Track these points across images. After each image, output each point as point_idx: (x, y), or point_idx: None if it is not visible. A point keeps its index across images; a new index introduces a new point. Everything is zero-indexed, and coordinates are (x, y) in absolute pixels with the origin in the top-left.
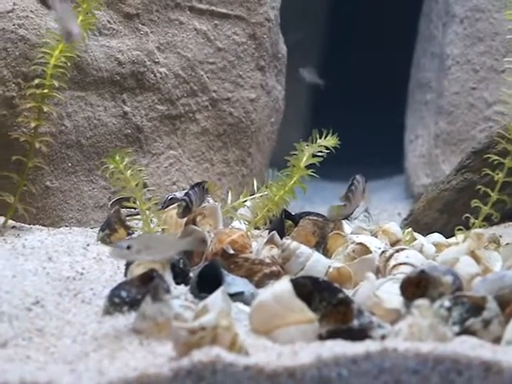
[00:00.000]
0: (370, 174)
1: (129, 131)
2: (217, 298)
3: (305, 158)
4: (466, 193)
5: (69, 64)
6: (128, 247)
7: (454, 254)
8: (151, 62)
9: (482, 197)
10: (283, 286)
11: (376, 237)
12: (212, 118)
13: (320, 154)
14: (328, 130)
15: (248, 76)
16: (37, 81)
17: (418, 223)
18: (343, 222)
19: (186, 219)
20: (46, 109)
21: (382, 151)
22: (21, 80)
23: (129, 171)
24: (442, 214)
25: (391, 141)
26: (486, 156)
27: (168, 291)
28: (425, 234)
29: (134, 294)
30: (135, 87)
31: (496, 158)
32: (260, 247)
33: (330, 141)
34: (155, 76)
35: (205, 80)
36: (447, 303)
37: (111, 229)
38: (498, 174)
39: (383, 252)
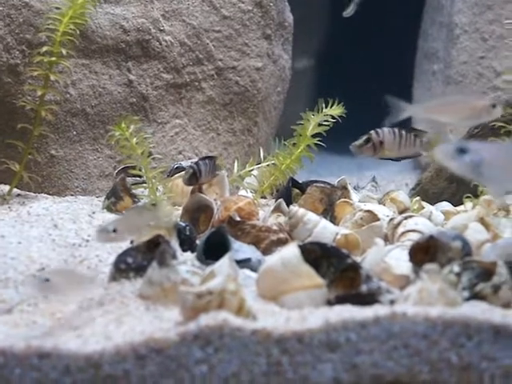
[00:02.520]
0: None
1: (134, 100)
2: (224, 263)
3: (311, 127)
4: None
5: (78, 31)
6: (114, 230)
7: (463, 220)
8: (156, 30)
9: None
10: (291, 251)
11: (384, 205)
12: (218, 86)
13: (326, 123)
14: (334, 100)
15: (254, 44)
16: (45, 48)
17: (426, 193)
18: (350, 190)
19: (191, 188)
20: (52, 77)
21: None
22: (25, 47)
23: (134, 139)
24: (451, 184)
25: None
26: (493, 123)
27: (174, 257)
28: (433, 204)
29: (140, 260)
30: (140, 55)
31: (503, 125)
32: (267, 215)
33: (336, 110)
34: (160, 44)
35: (210, 48)
36: (457, 268)
37: (117, 197)
38: (505, 141)
39: (391, 219)
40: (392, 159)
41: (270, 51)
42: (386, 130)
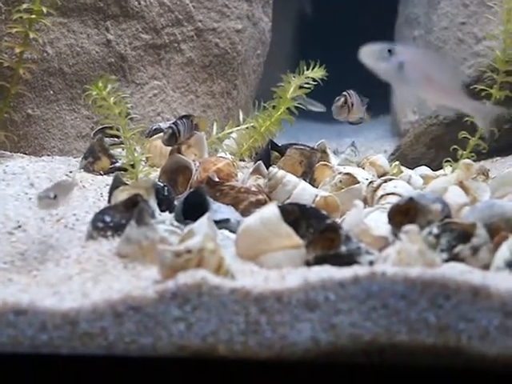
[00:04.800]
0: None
1: (112, 60)
2: (202, 223)
3: (291, 90)
4: (454, 127)
5: None
6: (55, 197)
7: (442, 184)
8: None
9: (470, 130)
10: (271, 210)
11: (363, 168)
12: (197, 48)
13: (307, 85)
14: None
15: (234, 6)
16: (25, 5)
17: (405, 158)
18: (330, 153)
19: (170, 148)
20: (32, 35)
21: (369, 90)
22: (1, 4)
23: (112, 98)
24: (430, 149)
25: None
26: (473, 87)
27: (153, 216)
28: (412, 169)
29: (118, 218)
30: (119, 15)
31: (484, 88)
32: (246, 177)
33: (317, 72)
34: (139, 4)
35: (190, 9)
36: (436, 230)
37: (94, 157)
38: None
39: (371, 182)
40: (352, 123)
41: (250, 13)
42: (352, 92)
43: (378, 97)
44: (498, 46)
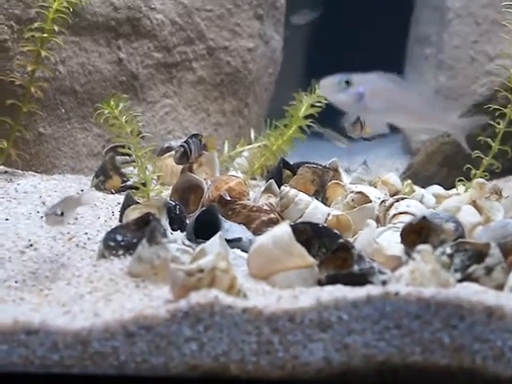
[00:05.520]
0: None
1: (124, 78)
2: (215, 242)
3: (303, 108)
4: (468, 146)
5: (71, 9)
6: (62, 214)
7: (455, 203)
8: (147, 8)
9: (483, 149)
10: (283, 229)
11: (375, 187)
12: (209, 66)
13: (318, 104)
14: None
15: (246, 25)
16: (36, 24)
17: (417, 176)
18: (341, 172)
19: (181, 167)
20: (43, 53)
21: None
22: (13, 23)
23: (123, 117)
24: (442, 168)
25: None
26: (486, 107)
27: (165, 235)
28: (424, 187)
29: (129, 237)
30: (131, 33)
31: (497, 107)
32: (257, 196)
33: None
34: (151, 22)
35: (202, 28)
36: (449, 250)
37: (106, 175)
38: (499, 124)
39: (383, 201)
40: (366, 139)
41: (261, 32)
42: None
43: None
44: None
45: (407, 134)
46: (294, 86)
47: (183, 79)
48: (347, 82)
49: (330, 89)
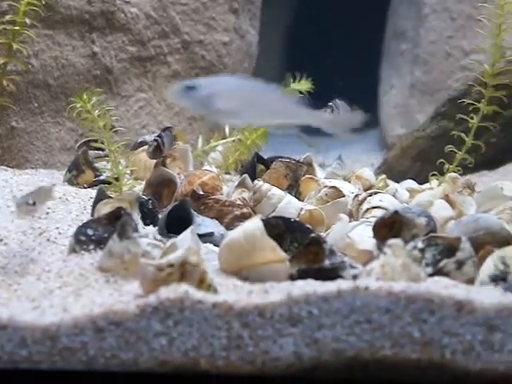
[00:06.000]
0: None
1: (98, 72)
2: (186, 237)
3: None
4: (441, 141)
5: (43, 2)
6: (34, 203)
7: (428, 197)
8: (121, 1)
9: (457, 144)
10: (254, 224)
11: (349, 182)
12: (184, 60)
13: None
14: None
15: (221, 19)
16: (8, 17)
17: (392, 171)
18: (316, 167)
19: (155, 161)
20: (15, 46)
21: (358, 102)
22: None
23: (96, 111)
24: (416, 162)
25: (367, 91)
26: (460, 101)
27: (136, 229)
28: (398, 182)
29: (100, 232)
30: (105, 27)
31: (471, 102)
32: (231, 191)
33: (304, 85)
34: (126, 16)
35: (177, 21)
36: (420, 244)
37: (78, 170)
38: (472, 119)
39: (356, 196)
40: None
41: (237, 26)
42: (339, 101)
43: (366, 109)
44: (486, 60)
45: (384, 129)
46: (271, 81)
47: (158, 73)
48: (192, 87)
49: (177, 94)
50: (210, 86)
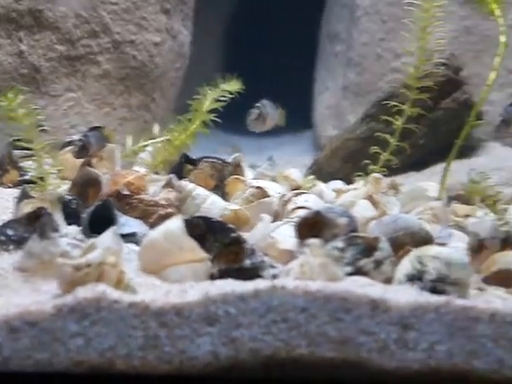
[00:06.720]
0: (280, 128)
1: (25, 71)
2: (107, 236)
3: (207, 103)
4: (370, 142)
5: None
6: None
7: (351, 197)
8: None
9: (385, 145)
10: (174, 224)
11: (277, 182)
12: (114, 60)
13: (223, 98)
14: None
15: (152, 19)
16: None
17: (322, 172)
18: (245, 167)
19: (81, 161)
20: None
21: (295, 103)
22: None
23: (22, 110)
24: (346, 163)
25: (304, 93)
26: (384, 103)
27: (56, 229)
28: (328, 183)
29: (21, 232)
30: (33, 25)
31: (395, 104)
32: (157, 190)
33: (234, 85)
34: (54, 14)
35: (107, 21)
36: (341, 244)
37: (3, 169)
38: (397, 121)
39: (282, 196)
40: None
41: (168, 26)
42: (266, 102)
43: (301, 110)
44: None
45: (317, 130)
46: (205, 81)
47: (87, 73)
48: None
49: None
50: None
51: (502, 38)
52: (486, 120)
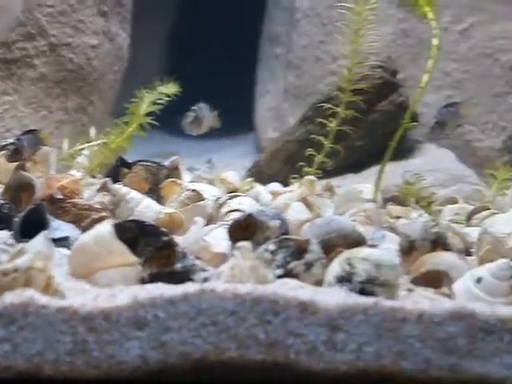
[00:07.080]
0: (222, 131)
1: None
2: (37, 241)
3: (144, 106)
4: (307, 144)
5: None
6: None
7: (285, 200)
8: None
9: (321, 148)
10: (104, 228)
11: (213, 185)
12: (51, 63)
13: (160, 101)
14: (175, 80)
15: (90, 21)
16: None
17: (262, 174)
18: (182, 170)
19: (15, 165)
20: None
21: (237, 106)
22: None
23: None
24: (286, 166)
25: (247, 95)
26: (320, 105)
27: None
28: (266, 185)
29: None
30: None
31: (330, 106)
32: (92, 194)
33: (171, 88)
34: None
35: (43, 24)
36: (272, 246)
37: None
38: (331, 123)
39: (217, 199)
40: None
41: (106, 29)
42: (202, 105)
43: (244, 113)
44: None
45: (258, 132)
46: (145, 84)
47: (24, 76)
48: None
49: None
50: None
51: (435, 41)
52: (421, 122)
